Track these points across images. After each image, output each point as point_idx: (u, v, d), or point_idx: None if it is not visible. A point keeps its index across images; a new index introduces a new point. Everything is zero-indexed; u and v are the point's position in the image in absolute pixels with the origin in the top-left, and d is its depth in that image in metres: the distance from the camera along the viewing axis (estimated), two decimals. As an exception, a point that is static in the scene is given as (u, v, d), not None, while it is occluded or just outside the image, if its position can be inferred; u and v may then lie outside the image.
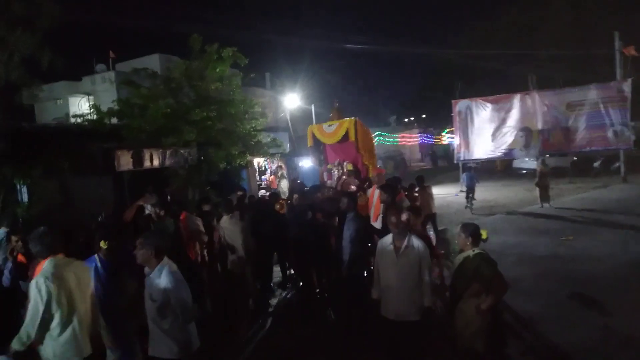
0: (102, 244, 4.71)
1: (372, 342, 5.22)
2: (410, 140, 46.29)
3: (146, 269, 3.99)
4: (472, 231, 4.36)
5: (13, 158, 9.66)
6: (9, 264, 5.65)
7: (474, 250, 4.29)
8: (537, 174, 16.12)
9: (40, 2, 10.02)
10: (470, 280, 4.19)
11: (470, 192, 16.27)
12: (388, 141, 42.16)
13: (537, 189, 15.63)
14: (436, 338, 4.54)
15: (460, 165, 21.97)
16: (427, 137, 48.10)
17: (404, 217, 4.40)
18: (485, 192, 20.11)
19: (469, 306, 4.18)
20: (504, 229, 12.30)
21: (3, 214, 8.98)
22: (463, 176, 18.14)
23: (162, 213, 7.25)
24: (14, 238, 5.87)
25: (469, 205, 16.29)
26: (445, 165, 38.28)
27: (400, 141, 44.45)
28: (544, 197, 15.44)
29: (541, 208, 15.12)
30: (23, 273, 5.33)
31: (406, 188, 9.75)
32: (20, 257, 5.64)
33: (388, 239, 4.48)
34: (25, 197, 10.39)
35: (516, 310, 6.54)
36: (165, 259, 3.99)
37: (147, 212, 7.53)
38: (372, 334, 5.25)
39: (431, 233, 10.77)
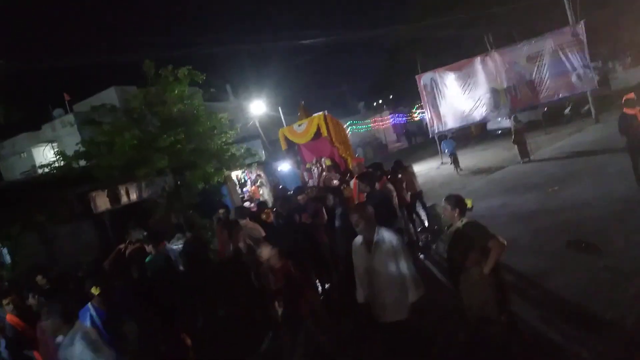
0: (94, 290, 4.58)
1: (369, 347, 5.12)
2: (383, 123, 46.36)
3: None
4: (457, 201, 4.34)
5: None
6: (5, 334, 5.32)
7: (462, 221, 4.26)
8: (512, 132, 16.28)
9: None
10: (467, 251, 4.14)
11: (453, 157, 17.85)
12: (361, 128, 42.15)
13: (515, 146, 15.80)
14: (431, 334, 4.37)
15: (437, 137, 22.06)
16: (398, 116, 48.24)
17: (368, 212, 4.17)
18: (466, 159, 20.25)
19: (471, 276, 4.15)
20: (490, 192, 12.36)
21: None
22: (442, 146, 18.78)
23: (150, 248, 7.07)
24: (4, 302, 5.58)
25: (459, 170, 17.58)
26: (421, 141, 38.50)
27: (373, 126, 44.49)
28: (523, 152, 15.61)
29: (522, 164, 15.25)
30: (23, 341, 5.07)
31: (388, 172, 9.71)
32: (15, 320, 5.37)
33: (359, 238, 4.26)
34: (7, 258, 10.11)
35: (517, 269, 6.54)
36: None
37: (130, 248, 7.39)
38: (368, 339, 5.14)
39: (421, 211, 10.77)
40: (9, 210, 10.00)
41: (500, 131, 25.72)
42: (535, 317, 5.11)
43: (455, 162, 17.80)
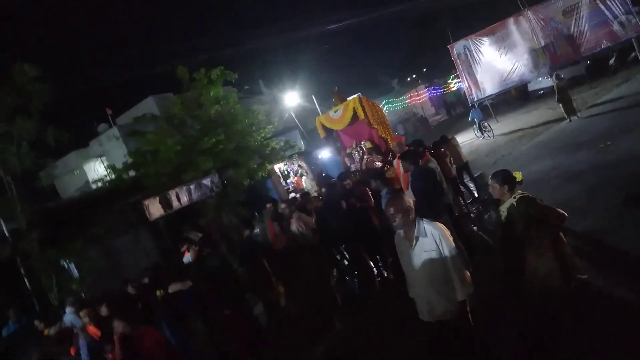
0: (159, 293, 4.81)
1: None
2: (419, 97, 45.57)
3: None
4: (504, 177, 4.10)
5: (52, 240, 9.92)
6: (83, 345, 5.63)
7: (514, 197, 4.02)
8: (555, 90, 15.65)
9: (29, 88, 10.17)
10: (526, 229, 3.90)
11: (482, 125, 18.78)
12: (398, 106, 41.62)
13: (560, 104, 15.19)
14: (481, 334, 3.87)
15: (476, 105, 21.51)
16: (434, 89, 47.27)
17: (405, 204, 3.71)
18: (510, 124, 19.67)
19: (532, 251, 3.94)
20: (539, 155, 11.97)
21: (62, 296, 9.26)
22: (471, 115, 19.04)
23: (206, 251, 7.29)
24: (82, 314, 5.90)
25: (488, 135, 18.46)
26: (461, 111, 37.62)
27: (410, 102, 43.82)
28: (569, 110, 14.98)
29: (570, 122, 14.65)
30: (100, 350, 5.36)
31: (431, 147, 9.59)
32: (93, 330, 5.69)
33: (400, 232, 3.84)
34: (75, 272, 10.66)
35: (575, 230, 6.33)
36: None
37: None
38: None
39: (470, 183, 10.59)
40: (70, 226, 10.54)
41: (542, 91, 24.75)
42: (600, 276, 4.94)
43: (482, 129, 18.70)
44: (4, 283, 9.76)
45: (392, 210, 3.68)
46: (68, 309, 7.87)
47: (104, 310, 5.70)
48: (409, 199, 3.84)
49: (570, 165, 9.80)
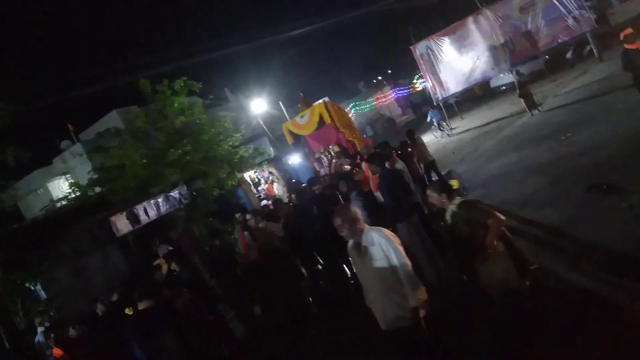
0: (128, 311, 4.71)
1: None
2: (386, 99, 46.01)
3: None
4: (441, 187, 4.27)
5: (17, 263, 9.60)
6: None
7: (454, 204, 4.13)
8: (516, 86, 16.06)
9: None
10: (470, 232, 3.99)
11: (440, 124, 20.26)
12: (365, 108, 41.94)
13: (522, 99, 15.60)
14: (439, 341, 3.77)
15: (441, 104, 21.88)
16: (400, 90, 47.82)
17: (351, 214, 3.68)
18: (475, 120, 20.09)
19: (487, 258, 3.99)
20: (503, 149, 12.25)
21: (29, 319, 8.97)
22: (430, 116, 20.87)
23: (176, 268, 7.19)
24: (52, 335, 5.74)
25: (447, 133, 19.75)
26: (427, 109, 38.16)
27: (377, 103, 44.21)
28: (531, 104, 15.40)
29: (532, 116, 15.05)
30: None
31: (397, 147, 9.68)
32: (58, 352, 5.55)
33: (350, 242, 3.82)
34: (42, 294, 10.33)
35: (541, 222, 6.49)
36: None
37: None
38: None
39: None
40: (36, 247, 10.21)
41: (504, 87, 25.37)
42: (568, 268, 5.06)
43: (441, 128, 20.27)
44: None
45: (339, 220, 3.66)
46: (39, 329, 7.66)
47: (72, 332, 5.54)
48: (356, 209, 3.81)
49: (534, 158, 10.05)
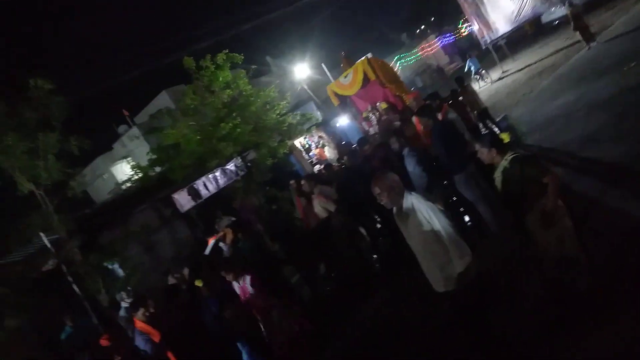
0: (198, 283, 4.98)
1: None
2: (432, 48, 44.42)
3: None
4: (491, 141, 3.97)
5: (92, 245, 10.30)
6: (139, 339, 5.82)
7: (506, 159, 3.85)
8: (569, 19, 15.03)
9: (47, 102, 10.35)
10: (523, 192, 3.74)
11: (480, 73, 19.94)
12: (410, 60, 40.74)
13: (577, 32, 14.61)
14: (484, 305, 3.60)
15: (490, 47, 20.86)
16: (445, 37, 45.98)
17: (389, 181, 3.58)
18: (527, 60, 19.10)
19: (540, 212, 3.74)
20: (560, 88, 11.60)
21: (111, 296, 9.66)
22: (467, 65, 19.50)
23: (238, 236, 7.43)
24: (139, 312, 6.00)
25: (487, 81, 19.34)
26: (476, 54, 36.63)
27: (422, 54, 42.79)
28: (587, 36, 14.39)
29: (589, 50, 14.09)
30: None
31: (448, 97, 9.41)
32: (142, 326, 5.87)
33: (394, 209, 3.73)
34: (120, 272, 11.05)
35: (607, 160, 6.17)
36: None
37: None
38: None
39: (494, 128, 10.38)
40: (108, 229, 10.88)
41: (557, 21, 23.79)
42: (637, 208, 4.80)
43: (480, 76, 19.86)
44: (56, 290, 10.20)
45: (377, 189, 3.60)
46: (122, 304, 8.23)
47: (150, 305, 5.84)
48: (393, 175, 3.70)
49: (595, 93, 9.47)
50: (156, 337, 5.16)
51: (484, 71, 20.13)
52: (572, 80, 11.74)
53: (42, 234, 9.92)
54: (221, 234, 8.24)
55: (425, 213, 3.46)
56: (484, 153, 4.02)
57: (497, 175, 3.96)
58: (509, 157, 3.85)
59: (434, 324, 4.84)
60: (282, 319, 5.17)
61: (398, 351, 5.10)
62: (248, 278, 5.08)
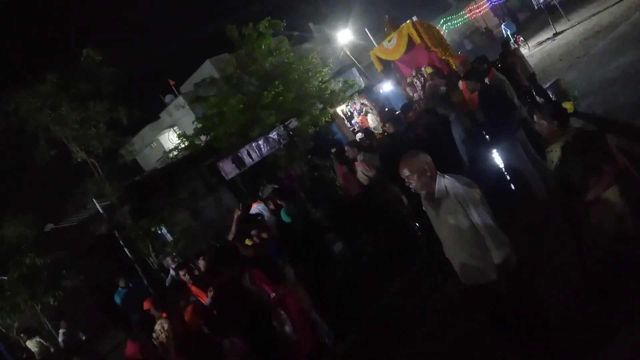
0: (248, 242, 5.20)
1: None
2: (480, 9, 42.53)
3: None
4: (553, 112, 3.51)
5: (142, 210, 10.72)
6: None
7: (569, 134, 3.44)
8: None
9: (97, 74, 10.68)
10: (583, 173, 3.37)
11: (516, 37, 19.03)
12: (457, 23, 39.20)
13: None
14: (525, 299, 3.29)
15: (543, 7, 19.78)
16: (494, -3, 43.86)
17: (419, 162, 3.21)
18: (583, 20, 17.98)
19: (599, 201, 3.38)
20: (618, 49, 10.88)
21: (160, 260, 10.09)
22: (503, 28, 19.23)
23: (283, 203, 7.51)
24: (181, 273, 6.29)
25: (523, 47, 18.24)
26: (527, 15, 34.84)
27: (470, 16, 41.06)
28: (652, -8, 13.37)
29: (653, 6, 13.11)
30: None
31: (495, 60, 9.03)
32: (195, 290, 6.07)
33: (423, 193, 3.37)
34: (168, 237, 11.49)
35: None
36: None
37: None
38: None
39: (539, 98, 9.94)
40: (157, 196, 11.28)
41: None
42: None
43: (518, 43, 18.56)
44: (108, 254, 10.76)
45: (406, 171, 3.23)
46: (171, 267, 8.57)
47: (201, 264, 6.01)
48: (425, 155, 3.30)
49: (658, 54, 8.86)
50: (204, 299, 5.34)
51: (521, 37, 19.42)
52: (631, 40, 10.98)
53: (95, 200, 10.41)
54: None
55: (461, 198, 3.12)
56: (543, 125, 3.58)
57: (555, 150, 3.54)
58: (572, 131, 3.45)
59: (466, 313, 4.40)
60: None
61: (419, 337, 5.02)
62: (247, 275, 5.07)
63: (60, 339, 10.41)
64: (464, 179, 3.26)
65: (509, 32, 19.33)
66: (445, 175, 3.24)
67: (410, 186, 3.29)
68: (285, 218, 7.29)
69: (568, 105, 3.57)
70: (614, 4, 16.81)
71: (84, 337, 10.75)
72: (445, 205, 3.19)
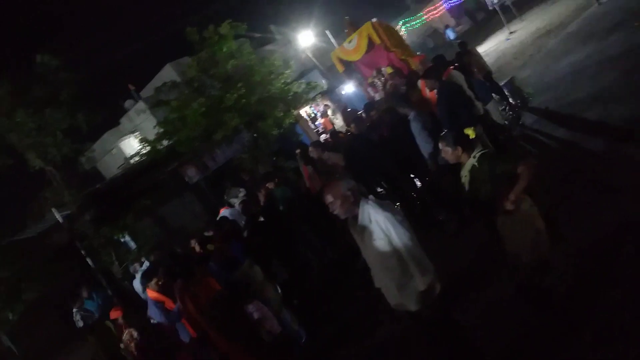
0: (210, 247, 5.19)
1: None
2: (437, 11, 43.43)
3: None
4: (455, 139, 3.65)
5: (104, 219, 10.48)
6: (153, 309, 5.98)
7: (474, 157, 3.55)
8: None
9: (53, 79, 10.40)
10: (495, 191, 3.43)
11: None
12: (416, 24, 39.90)
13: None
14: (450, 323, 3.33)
15: (497, 7, 20.35)
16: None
17: (342, 188, 3.21)
18: (536, 20, 18.64)
19: (510, 216, 3.44)
20: (569, 47, 11.36)
21: (124, 268, 9.90)
22: (446, 34, 19.08)
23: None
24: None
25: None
26: (483, 16, 35.82)
27: (428, 17, 41.88)
28: (598, -8, 13.98)
29: (599, 5, 13.71)
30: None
31: (452, 60, 9.26)
32: (154, 295, 6.00)
33: (349, 219, 3.36)
34: (132, 244, 11.27)
35: (619, 117, 6.11)
36: None
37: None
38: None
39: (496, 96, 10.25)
40: (119, 203, 11.04)
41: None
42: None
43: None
44: (71, 264, 10.47)
45: (329, 197, 3.21)
46: (136, 275, 8.42)
47: (162, 274, 5.93)
48: (349, 181, 3.32)
49: (604, 51, 9.29)
50: (170, 305, 5.30)
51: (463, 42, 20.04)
52: (581, 38, 11.49)
53: (54, 210, 10.12)
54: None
55: (383, 225, 3.11)
56: (448, 152, 3.70)
57: (465, 175, 3.63)
58: (477, 154, 3.55)
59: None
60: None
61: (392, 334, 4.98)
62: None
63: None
64: (387, 203, 3.27)
65: (451, 37, 19.74)
66: (369, 200, 3.23)
67: (334, 212, 3.25)
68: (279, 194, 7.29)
69: (469, 132, 3.63)
70: (563, 5, 17.52)
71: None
72: (369, 232, 3.17)
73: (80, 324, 7.69)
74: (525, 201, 3.42)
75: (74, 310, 7.82)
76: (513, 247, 3.52)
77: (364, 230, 3.19)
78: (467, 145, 3.63)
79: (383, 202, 3.28)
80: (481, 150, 3.60)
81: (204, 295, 4.81)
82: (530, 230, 3.43)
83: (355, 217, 3.23)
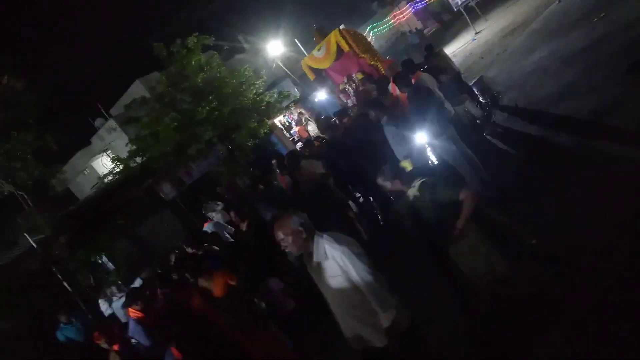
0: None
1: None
2: (403, 15, 44.01)
3: None
4: (393, 173, 3.71)
5: (79, 241, 10.25)
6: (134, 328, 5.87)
7: (414, 186, 3.59)
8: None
9: (18, 102, 10.18)
10: (439, 218, 3.46)
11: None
12: (383, 29, 40.35)
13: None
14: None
15: (462, 9, 20.76)
16: (417, 3, 45.55)
17: (293, 224, 2.98)
18: (500, 20, 19.04)
19: (461, 242, 3.49)
20: (533, 44, 11.63)
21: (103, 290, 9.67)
22: (410, 38, 19.58)
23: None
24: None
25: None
26: (449, 18, 36.45)
27: (395, 21, 42.39)
28: (557, -10, 14.36)
29: (560, 3, 14.08)
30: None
31: (421, 63, 9.39)
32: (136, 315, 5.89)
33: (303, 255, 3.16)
34: (110, 265, 11.04)
35: (583, 110, 6.26)
36: None
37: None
38: None
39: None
40: (94, 224, 10.81)
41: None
42: (615, 155, 4.88)
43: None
44: (45, 289, 10.17)
45: (280, 234, 2.98)
46: (114, 298, 8.24)
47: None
48: (301, 215, 3.06)
49: (567, 46, 9.52)
50: (151, 326, 5.21)
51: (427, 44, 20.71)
52: (544, 35, 11.77)
53: (27, 235, 9.85)
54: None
55: (340, 260, 2.91)
56: (389, 186, 3.72)
57: (405, 207, 3.66)
58: (416, 184, 3.58)
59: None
60: None
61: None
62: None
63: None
64: (342, 237, 3.09)
65: (414, 42, 20.55)
66: (324, 235, 3.03)
67: (286, 250, 3.06)
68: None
69: (406, 164, 3.87)
70: (525, 3, 17.95)
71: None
72: (326, 269, 2.98)
73: None
74: (472, 227, 3.45)
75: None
76: (471, 271, 3.54)
77: (321, 266, 3.00)
78: (404, 177, 3.67)
79: (337, 235, 3.08)
80: (420, 179, 3.60)
81: (218, 288, 4.80)
82: (481, 254, 3.46)
83: (310, 254, 3.02)
